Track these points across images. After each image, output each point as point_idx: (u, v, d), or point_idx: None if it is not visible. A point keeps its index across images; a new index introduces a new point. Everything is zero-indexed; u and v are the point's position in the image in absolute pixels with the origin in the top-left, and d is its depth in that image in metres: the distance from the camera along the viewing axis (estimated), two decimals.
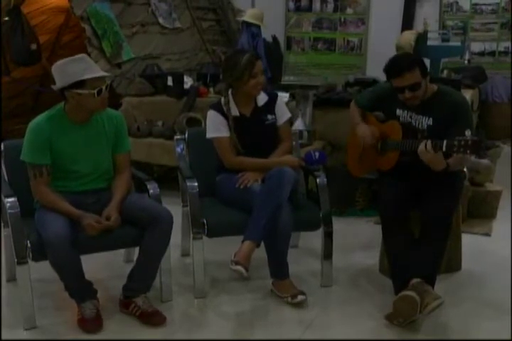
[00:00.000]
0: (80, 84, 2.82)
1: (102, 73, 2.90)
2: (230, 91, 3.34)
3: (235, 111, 3.33)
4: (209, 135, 3.36)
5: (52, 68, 2.90)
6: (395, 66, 3.11)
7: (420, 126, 3.20)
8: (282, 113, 3.44)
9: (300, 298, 3.12)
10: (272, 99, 3.42)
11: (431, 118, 3.18)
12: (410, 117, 3.24)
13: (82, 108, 2.91)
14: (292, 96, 4.94)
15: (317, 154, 3.34)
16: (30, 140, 2.90)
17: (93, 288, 2.99)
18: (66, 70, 2.83)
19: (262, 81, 3.27)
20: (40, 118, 2.94)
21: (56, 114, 2.95)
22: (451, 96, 3.20)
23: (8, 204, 2.88)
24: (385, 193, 3.24)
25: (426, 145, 2.92)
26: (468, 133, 2.84)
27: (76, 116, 2.95)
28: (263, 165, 3.28)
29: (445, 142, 2.87)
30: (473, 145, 2.78)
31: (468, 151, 2.80)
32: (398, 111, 3.27)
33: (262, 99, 3.39)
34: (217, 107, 3.35)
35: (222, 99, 3.36)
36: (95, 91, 2.83)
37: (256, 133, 3.35)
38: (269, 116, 3.39)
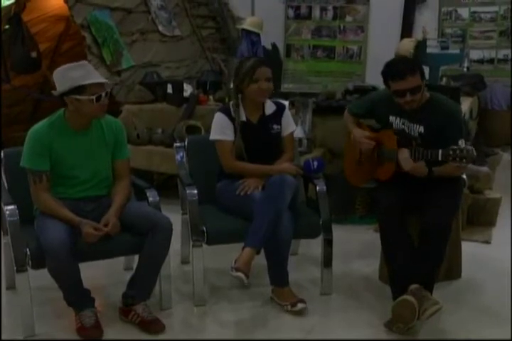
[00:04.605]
0: (80, 89, 2.83)
1: (101, 79, 2.92)
2: (239, 96, 3.34)
3: (242, 116, 3.34)
4: (213, 137, 3.37)
5: (54, 73, 2.92)
6: (398, 69, 3.08)
7: (413, 133, 3.21)
8: (288, 124, 3.45)
9: (300, 306, 3.11)
10: (280, 110, 3.43)
11: (422, 126, 3.17)
12: (403, 124, 3.24)
13: (81, 114, 2.91)
14: (292, 104, 4.93)
15: (315, 163, 3.33)
16: (30, 146, 2.91)
17: (91, 297, 2.98)
18: (67, 76, 2.85)
19: (265, 87, 3.26)
20: (40, 124, 2.95)
21: (56, 120, 2.96)
22: (444, 104, 3.20)
23: (7, 212, 2.89)
24: (384, 200, 3.23)
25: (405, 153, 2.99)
26: (461, 142, 2.84)
27: (76, 123, 2.96)
28: (261, 172, 3.29)
29: (440, 151, 2.89)
30: (467, 154, 2.80)
31: (464, 160, 2.82)
32: (391, 118, 3.27)
33: (270, 108, 3.40)
34: (226, 110, 3.36)
35: (231, 102, 3.38)
36: (94, 97, 2.84)
37: (260, 140, 3.36)
38: (275, 126, 3.39)
